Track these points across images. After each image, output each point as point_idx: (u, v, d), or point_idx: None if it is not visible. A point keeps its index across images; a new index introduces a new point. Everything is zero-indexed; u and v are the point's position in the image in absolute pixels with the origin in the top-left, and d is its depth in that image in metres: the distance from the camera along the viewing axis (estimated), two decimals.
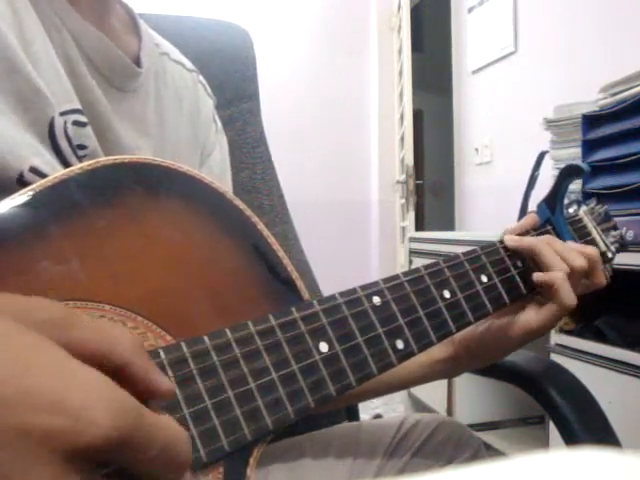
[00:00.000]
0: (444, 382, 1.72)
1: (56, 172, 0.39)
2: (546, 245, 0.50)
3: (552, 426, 1.13)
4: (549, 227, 0.56)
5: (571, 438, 0.54)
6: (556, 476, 0.18)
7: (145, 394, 0.24)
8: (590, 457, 0.18)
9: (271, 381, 0.34)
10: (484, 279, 0.48)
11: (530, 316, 0.50)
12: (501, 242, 0.52)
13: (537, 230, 0.55)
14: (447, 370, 0.55)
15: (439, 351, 0.53)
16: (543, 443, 1.29)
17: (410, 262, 2.00)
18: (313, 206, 2.66)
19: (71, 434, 0.19)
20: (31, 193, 0.32)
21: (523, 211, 0.59)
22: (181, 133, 0.55)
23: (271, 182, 0.83)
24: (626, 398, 0.99)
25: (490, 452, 1.47)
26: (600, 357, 1.07)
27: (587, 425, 0.54)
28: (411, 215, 2.58)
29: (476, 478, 0.18)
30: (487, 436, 1.62)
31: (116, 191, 0.35)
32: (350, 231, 2.85)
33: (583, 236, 0.58)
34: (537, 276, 0.50)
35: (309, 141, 2.73)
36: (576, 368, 0.97)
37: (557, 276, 0.48)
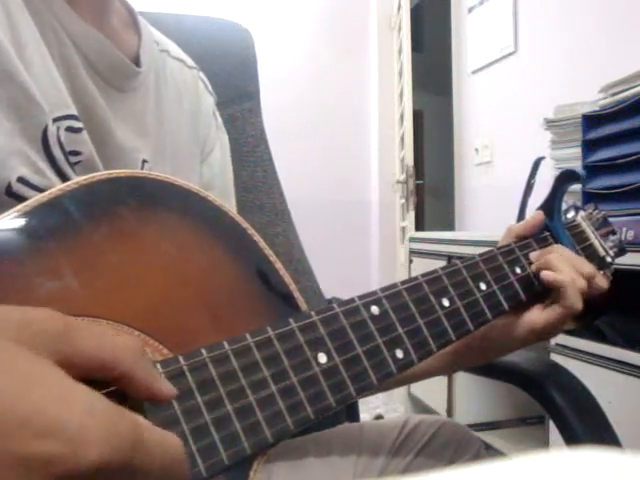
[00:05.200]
0: (444, 382, 1.72)
1: (46, 181, 0.38)
2: (559, 255, 0.51)
3: (552, 426, 1.13)
4: (547, 233, 0.55)
5: (571, 438, 0.54)
6: (556, 476, 0.18)
7: (147, 400, 0.24)
8: (590, 457, 0.18)
9: (270, 394, 0.33)
10: (483, 287, 0.48)
11: (535, 316, 0.50)
12: (499, 248, 0.51)
13: (535, 237, 0.55)
14: (448, 365, 0.55)
15: None
16: (543, 443, 1.29)
17: (410, 262, 2.00)
18: (313, 206, 2.65)
19: (70, 459, 0.19)
20: (26, 209, 0.32)
21: (521, 218, 0.59)
22: (181, 131, 0.55)
23: (272, 181, 0.83)
24: (626, 398, 0.99)
25: (490, 452, 1.47)
26: (600, 357, 1.07)
27: (587, 425, 0.54)
28: (411, 215, 2.58)
29: (476, 478, 0.18)
30: (487, 436, 1.62)
31: (112, 206, 0.35)
32: (350, 231, 2.85)
33: (581, 241, 0.57)
34: (545, 274, 0.49)
35: (309, 141, 2.73)
36: (576, 368, 0.96)
37: (565, 278, 0.48)
